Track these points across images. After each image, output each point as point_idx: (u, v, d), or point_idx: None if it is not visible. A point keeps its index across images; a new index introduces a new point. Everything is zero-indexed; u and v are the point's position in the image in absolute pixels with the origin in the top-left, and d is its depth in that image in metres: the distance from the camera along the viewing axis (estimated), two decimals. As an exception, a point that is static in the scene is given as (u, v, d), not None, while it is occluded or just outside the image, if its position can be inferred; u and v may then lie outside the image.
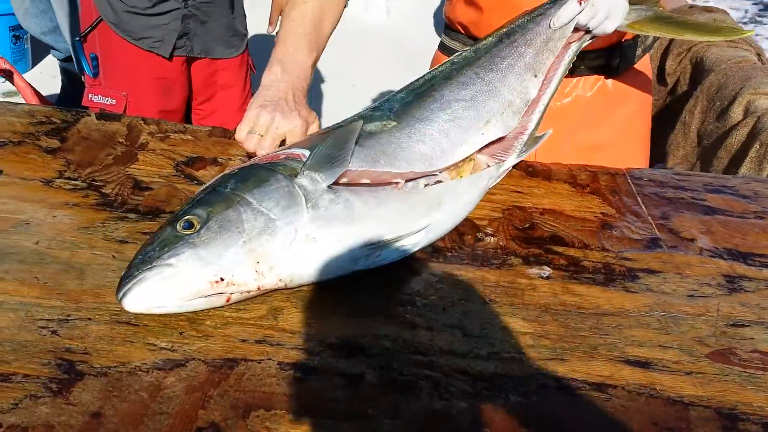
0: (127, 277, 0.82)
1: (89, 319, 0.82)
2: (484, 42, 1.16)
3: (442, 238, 1.01)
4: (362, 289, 0.90)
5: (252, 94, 2.19)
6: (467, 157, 1.05)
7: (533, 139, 1.12)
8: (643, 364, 0.82)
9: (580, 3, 1.13)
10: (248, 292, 0.85)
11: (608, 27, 1.15)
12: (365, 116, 1.04)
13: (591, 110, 1.39)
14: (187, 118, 2.13)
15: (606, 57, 1.36)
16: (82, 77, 2.10)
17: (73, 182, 1.08)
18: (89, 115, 1.28)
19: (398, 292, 0.91)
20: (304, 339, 0.82)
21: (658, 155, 2.39)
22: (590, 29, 1.16)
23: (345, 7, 1.31)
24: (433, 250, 0.99)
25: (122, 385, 0.73)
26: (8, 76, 2.06)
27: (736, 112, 2.13)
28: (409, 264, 0.96)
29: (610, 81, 1.38)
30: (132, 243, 0.95)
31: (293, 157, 0.95)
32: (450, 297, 0.91)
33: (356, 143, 0.96)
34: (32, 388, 0.72)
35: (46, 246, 0.93)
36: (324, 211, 0.89)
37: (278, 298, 0.88)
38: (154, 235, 0.87)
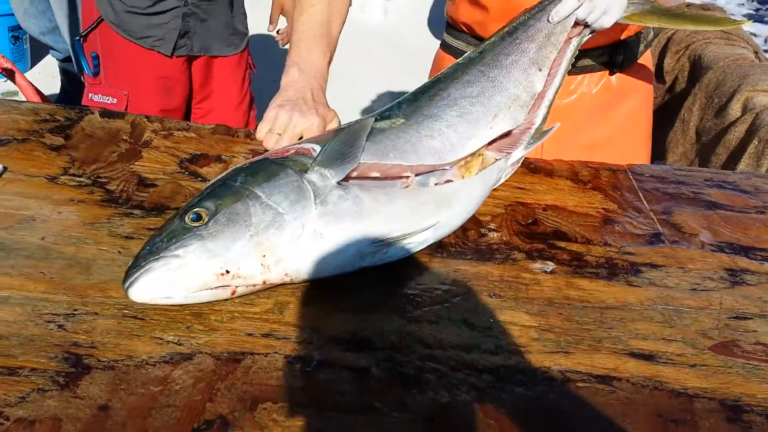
0: (134, 267, 0.82)
1: (96, 313, 0.82)
2: (487, 42, 1.17)
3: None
4: (368, 285, 0.91)
5: (251, 93, 2.21)
6: (476, 152, 1.06)
7: (540, 133, 1.13)
8: (648, 357, 0.83)
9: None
10: (254, 285, 0.85)
11: (606, 22, 1.16)
12: (375, 116, 1.05)
13: (596, 107, 1.40)
14: (187, 118, 2.13)
15: (610, 53, 1.37)
16: (82, 77, 2.10)
17: (78, 179, 1.08)
18: (93, 113, 1.28)
19: (403, 288, 0.91)
20: (310, 333, 0.82)
21: (657, 153, 2.39)
22: (589, 24, 1.17)
23: (350, 6, 1.32)
24: (438, 245, 1.00)
25: (129, 379, 0.74)
26: (9, 75, 2.06)
27: (735, 109, 2.14)
28: (414, 260, 0.96)
29: (614, 77, 1.40)
30: (137, 239, 0.95)
31: (304, 152, 0.95)
32: (455, 292, 0.91)
33: (366, 139, 0.97)
34: (39, 381, 0.72)
35: (52, 241, 0.94)
36: (332, 207, 0.89)
37: (284, 293, 0.88)
38: (163, 226, 0.87)
